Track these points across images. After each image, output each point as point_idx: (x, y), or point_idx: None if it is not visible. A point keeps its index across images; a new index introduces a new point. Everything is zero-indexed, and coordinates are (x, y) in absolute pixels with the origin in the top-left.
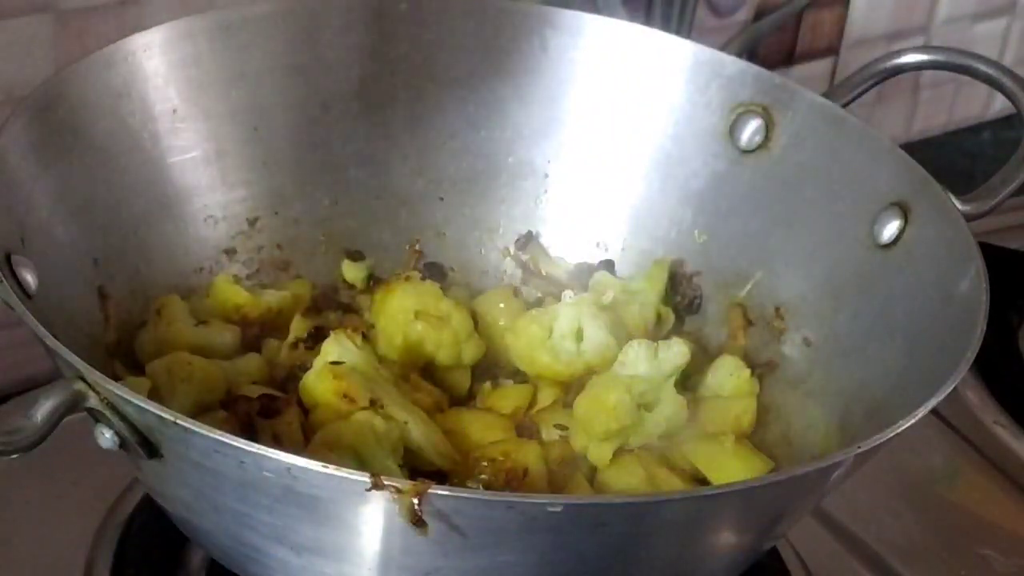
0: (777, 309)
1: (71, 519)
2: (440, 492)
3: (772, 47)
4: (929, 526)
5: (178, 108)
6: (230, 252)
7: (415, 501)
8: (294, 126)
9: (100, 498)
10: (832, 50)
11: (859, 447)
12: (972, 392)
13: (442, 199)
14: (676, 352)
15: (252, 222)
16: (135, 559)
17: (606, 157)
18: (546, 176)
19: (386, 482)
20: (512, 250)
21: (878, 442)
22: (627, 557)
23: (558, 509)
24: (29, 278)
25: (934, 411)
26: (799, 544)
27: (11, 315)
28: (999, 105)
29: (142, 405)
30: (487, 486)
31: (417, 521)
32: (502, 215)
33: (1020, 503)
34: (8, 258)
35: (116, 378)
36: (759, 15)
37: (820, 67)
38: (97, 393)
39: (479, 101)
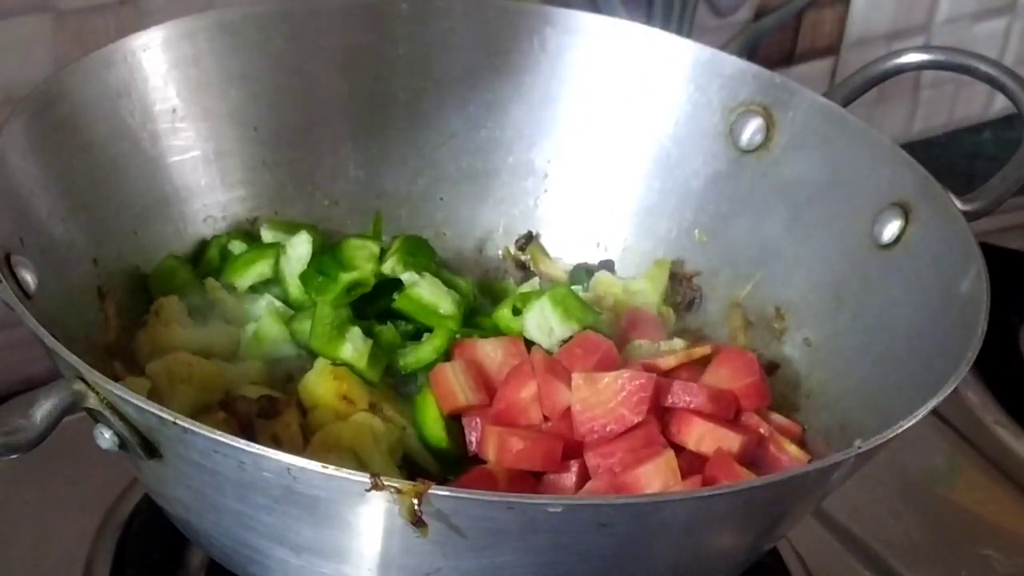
0: (777, 309)
1: (71, 519)
2: (440, 492)
3: (772, 47)
4: (929, 526)
5: (178, 108)
6: None
7: (415, 501)
8: (293, 126)
9: (100, 498)
10: (832, 50)
11: (859, 447)
12: (972, 392)
13: (442, 199)
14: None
15: (252, 222)
16: (135, 559)
17: (606, 157)
18: (546, 176)
19: (386, 482)
20: (512, 250)
21: (878, 442)
22: (627, 557)
23: (558, 509)
24: (28, 278)
25: (934, 411)
26: (799, 544)
27: (11, 315)
28: (999, 105)
29: (142, 405)
30: None
31: (417, 521)
32: (502, 215)
33: (1020, 503)
34: (8, 258)
35: (116, 378)
36: (759, 15)
37: (820, 67)
38: (97, 393)
39: (479, 101)
